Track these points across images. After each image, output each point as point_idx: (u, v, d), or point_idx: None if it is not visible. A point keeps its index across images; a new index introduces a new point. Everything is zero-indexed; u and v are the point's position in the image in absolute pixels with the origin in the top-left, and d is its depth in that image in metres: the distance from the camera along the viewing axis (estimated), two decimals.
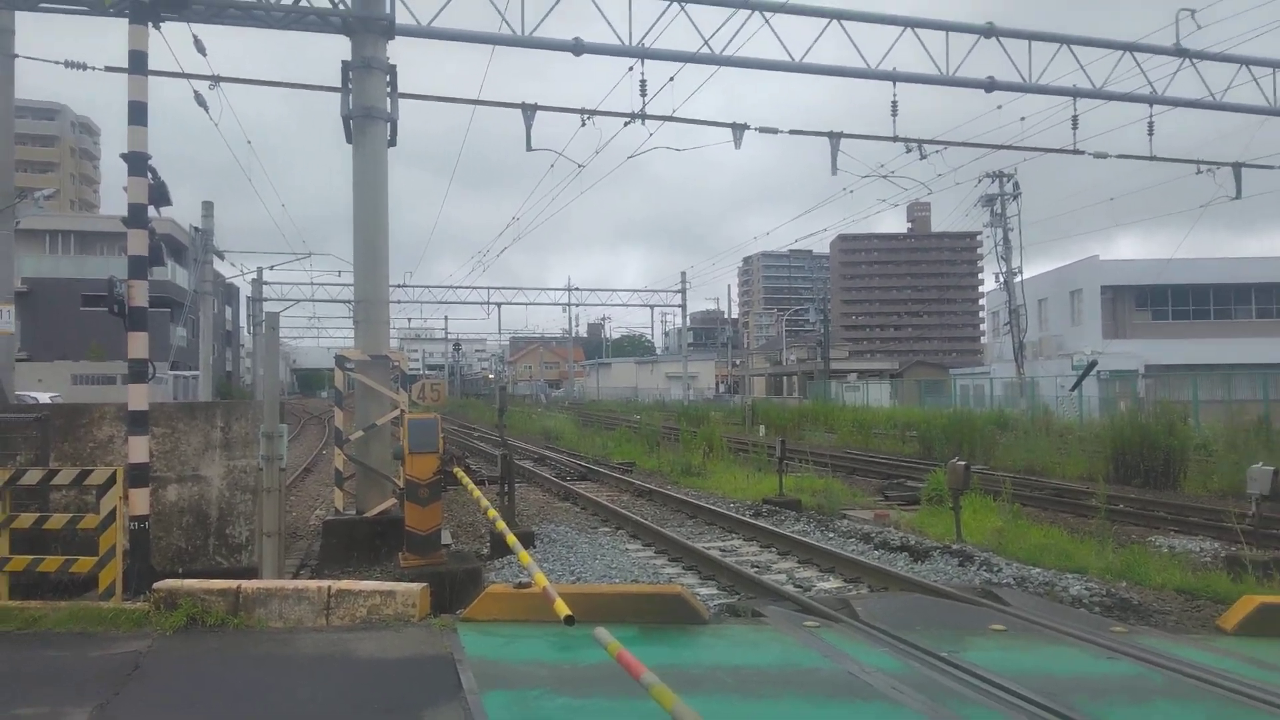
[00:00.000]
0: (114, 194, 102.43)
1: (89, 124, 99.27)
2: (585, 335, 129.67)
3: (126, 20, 7.95)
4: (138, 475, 7.66)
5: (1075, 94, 16.18)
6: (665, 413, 44.51)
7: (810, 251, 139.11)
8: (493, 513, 7.96)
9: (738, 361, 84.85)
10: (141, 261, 7.99)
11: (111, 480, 7.25)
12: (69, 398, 26.95)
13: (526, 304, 62.78)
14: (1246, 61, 16.43)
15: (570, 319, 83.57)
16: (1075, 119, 16.76)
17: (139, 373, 7.86)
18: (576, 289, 65.44)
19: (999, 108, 16.89)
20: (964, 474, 11.00)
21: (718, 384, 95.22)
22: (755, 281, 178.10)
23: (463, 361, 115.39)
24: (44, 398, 22.01)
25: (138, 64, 7.88)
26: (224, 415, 9.26)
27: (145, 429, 7.85)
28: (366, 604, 6.80)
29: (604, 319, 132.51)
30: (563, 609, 4.71)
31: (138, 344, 7.86)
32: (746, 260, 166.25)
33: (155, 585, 6.80)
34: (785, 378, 79.73)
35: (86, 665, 5.75)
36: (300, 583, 7.21)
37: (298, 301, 54.10)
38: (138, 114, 7.86)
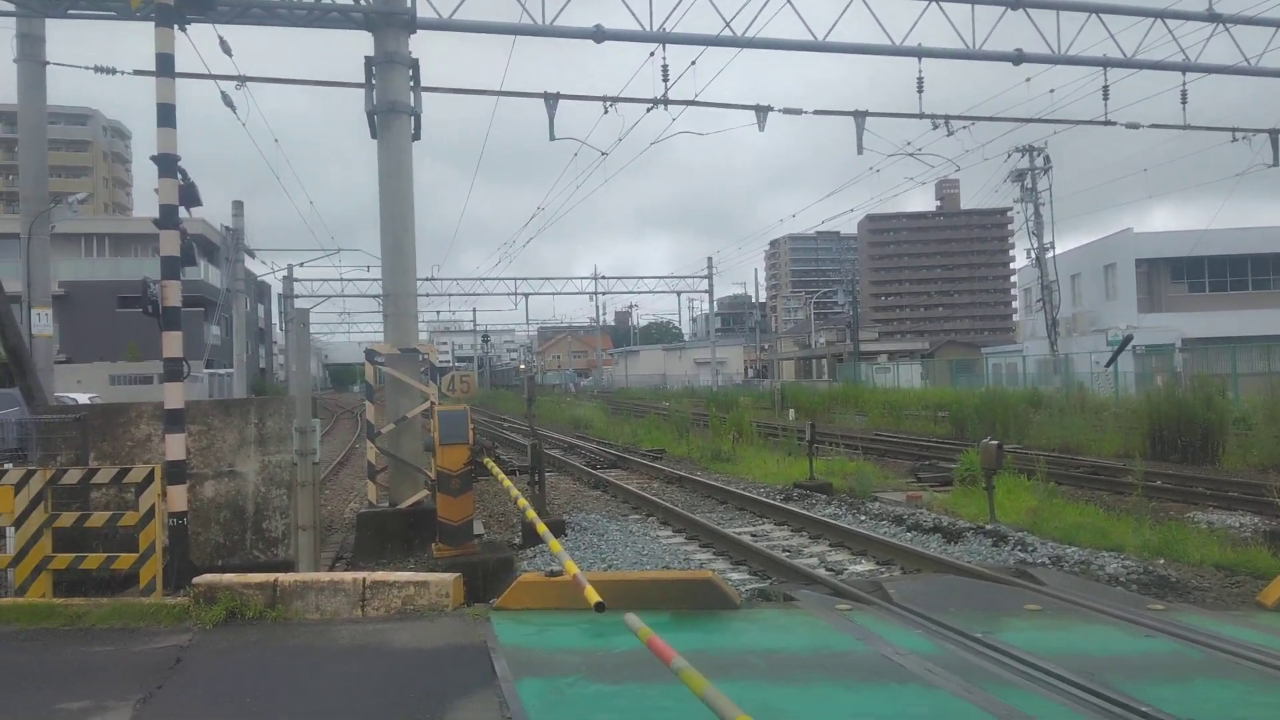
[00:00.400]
0: (146, 196, 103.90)
1: (120, 128, 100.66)
2: (613, 323, 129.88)
3: (153, 24, 8.04)
4: (175, 472, 7.79)
5: (1105, 64, 15.89)
6: (694, 399, 44.57)
7: (838, 233, 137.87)
8: (523, 502, 8.00)
9: (766, 346, 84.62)
10: (174, 262, 8.09)
11: (150, 478, 7.39)
12: (107, 398, 27.45)
13: (554, 294, 63.49)
14: None
15: (597, 307, 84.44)
16: (1106, 89, 16.47)
17: (174, 372, 7.98)
18: (603, 277, 65.72)
19: (1027, 80, 16.65)
20: (997, 453, 10.89)
21: (746, 369, 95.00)
22: (782, 265, 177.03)
23: (491, 353, 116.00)
24: (83, 398, 22.41)
25: (165, 66, 7.95)
26: (258, 411, 9.39)
27: (182, 427, 7.97)
28: (401, 595, 6.89)
29: (631, 307, 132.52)
30: (593, 596, 4.72)
31: (172, 343, 7.98)
32: (773, 243, 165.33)
33: (195, 580, 6.92)
34: (814, 361, 79.31)
35: (129, 660, 5.87)
36: (336, 575, 7.31)
37: (328, 298, 54.90)
38: (166, 116, 7.94)
